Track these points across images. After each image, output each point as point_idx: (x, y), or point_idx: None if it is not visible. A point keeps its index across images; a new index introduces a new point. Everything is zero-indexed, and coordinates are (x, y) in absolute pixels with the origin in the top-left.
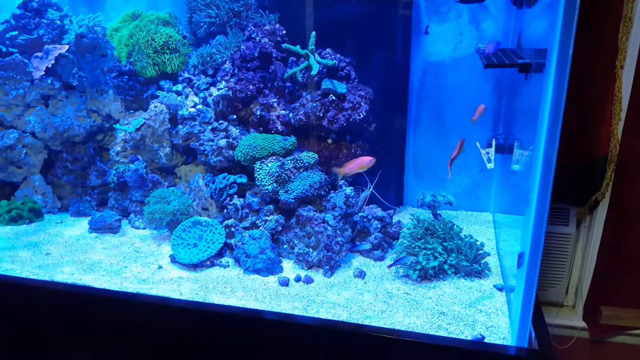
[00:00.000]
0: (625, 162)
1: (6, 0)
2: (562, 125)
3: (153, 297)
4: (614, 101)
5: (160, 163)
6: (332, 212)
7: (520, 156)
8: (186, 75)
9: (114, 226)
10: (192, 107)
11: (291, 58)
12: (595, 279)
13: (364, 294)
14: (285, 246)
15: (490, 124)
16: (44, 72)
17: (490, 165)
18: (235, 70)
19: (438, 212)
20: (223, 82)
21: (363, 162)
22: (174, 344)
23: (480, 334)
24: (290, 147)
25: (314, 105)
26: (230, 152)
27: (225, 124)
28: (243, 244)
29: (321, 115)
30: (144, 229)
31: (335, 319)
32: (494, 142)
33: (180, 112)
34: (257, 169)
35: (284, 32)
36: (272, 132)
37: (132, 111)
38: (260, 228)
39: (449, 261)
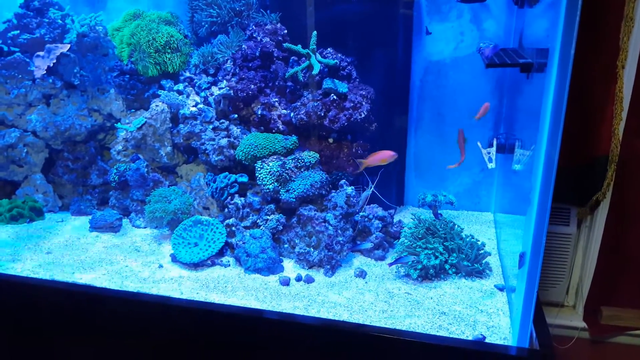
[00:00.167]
0: (626, 162)
1: None
2: (563, 125)
3: (154, 297)
4: (615, 101)
5: (162, 162)
6: (333, 211)
7: (521, 156)
8: (187, 74)
9: (115, 225)
10: (193, 106)
11: (292, 57)
12: (596, 279)
13: (364, 294)
14: (286, 245)
15: (491, 124)
16: (45, 71)
17: (491, 165)
18: (237, 70)
19: (439, 211)
20: (224, 81)
21: (385, 156)
22: (174, 344)
23: (481, 334)
24: (291, 147)
25: (315, 104)
26: (232, 151)
27: (227, 123)
28: (244, 243)
29: (322, 114)
30: (144, 228)
31: (336, 318)
32: (495, 142)
33: (181, 112)
34: (258, 168)
35: (286, 31)
36: (273, 131)
37: (133, 110)
38: (261, 227)
39: (450, 261)
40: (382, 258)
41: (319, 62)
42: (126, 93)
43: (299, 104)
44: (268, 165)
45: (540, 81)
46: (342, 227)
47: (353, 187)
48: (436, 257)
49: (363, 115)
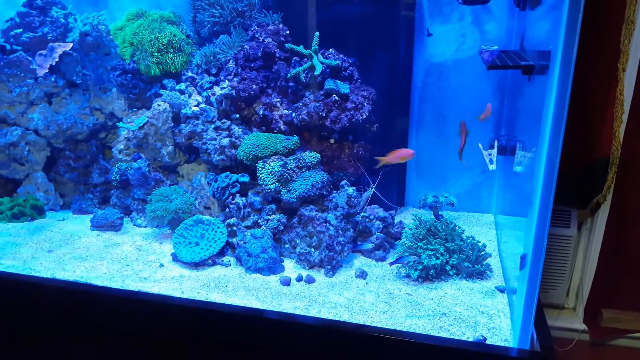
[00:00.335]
0: (626, 164)
1: None
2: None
3: (154, 296)
4: (615, 104)
5: (163, 161)
6: (334, 212)
7: (522, 158)
8: (189, 74)
9: (116, 224)
10: (195, 106)
11: (294, 58)
12: (596, 281)
13: (365, 294)
14: (287, 246)
15: (492, 126)
16: (47, 70)
17: (492, 167)
18: (239, 70)
19: (440, 213)
20: (226, 81)
21: (405, 154)
22: (175, 343)
23: (482, 336)
24: (292, 147)
25: (317, 105)
26: (233, 151)
27: (228, 123)
28: (245, 243)
29: (324, 115)
30: (145, 227)
31: (337, 319)
32: (496, 144)
33: (183, 111)
34: (260, 168)
35: (288, 32)
36: (275, 131)
37: (135, 109)
38: (262, 227)
39: (450, 262)
40: (383, 259)
41: (321, 62)
42: (128, 92)
43: (300, 104)
44: (269, 165)
45: (541, 83)
46: (343, 227)
47: (354, 188)
48: (437, 258)
49: (364, 116)
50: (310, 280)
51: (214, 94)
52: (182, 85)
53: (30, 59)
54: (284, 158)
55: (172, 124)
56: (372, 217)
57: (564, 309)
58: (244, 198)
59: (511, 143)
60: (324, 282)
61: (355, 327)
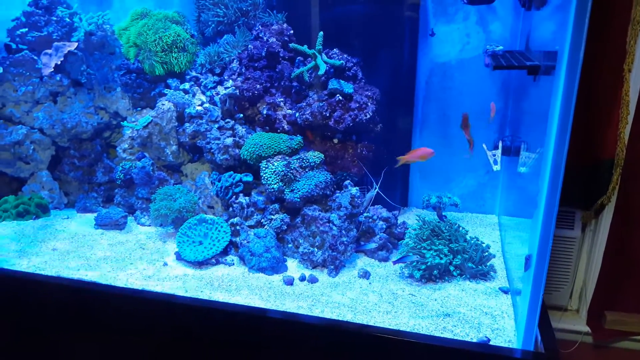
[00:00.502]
0: (631, 165)
1: None
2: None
3: (158, 294)
4: (621, 104)
5: (167, 161)
6: (338, 211)
7: (527, 159)
8: (194, 73)
9: (120, 223)
10: (199, 105)
11: (298, 58)
12: (600, 283)
13: (368, 295)
14: (290, 245)
15: (496, 126)
16: (53, 69)
17: (496, 168)
18: (243, 70)
19: (443, 213)
20: (230, 81)
21: (423, 153)
22: (178, 342)
23: (486, 337)
24: (296, 147)
25: (321, 105)
26: (237, 150)
27: (232, 122)
28: (248, 242)
29: (328, 115)
30: (149, 225)
31: (340, 319)
32: (500, 144)
33: (187, 111)
34: (263, 168)
35: (292, 31)
36: (279, 131)
37: (139, 109)
38: (266, 227)
39: (454, 262)
40: (386, 259)
41: (325, 62)
42: (132, 91)
43: (304, 104)
44: (273, 165)
45: (547, 84)
46: (346, 227)
47: (357, 188)
48: (441, 258)
49: (368, 116)
50: (313, 280)
51: (217, 94)
52: (186, 85)
53: (35, 58)
54: (287, 158)
55: (176, 124)
56: (375, 217)
57: (567, 311)
58: (247, 197)
59: (515, 144)
60: (327, 282)
61: (359, 327)
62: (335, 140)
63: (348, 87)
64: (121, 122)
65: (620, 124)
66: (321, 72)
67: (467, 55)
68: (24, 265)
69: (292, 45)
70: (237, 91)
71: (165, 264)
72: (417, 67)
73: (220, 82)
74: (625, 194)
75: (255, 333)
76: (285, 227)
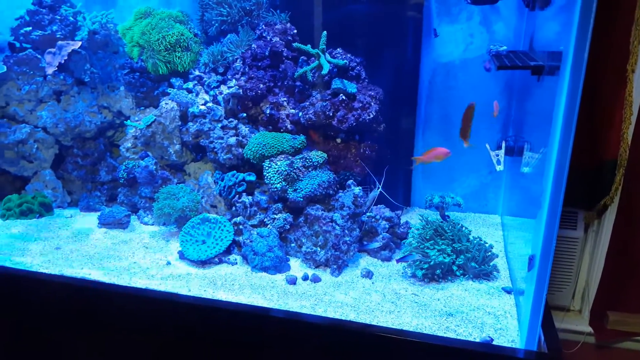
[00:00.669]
0: (634, 166)
1: None
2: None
3: (161, 293)
4: (624, 105)
5: (170, 160)
6: (341, 211)
7: (530, 159)
8: (197, 73)
9: (123, 222)
10: (202, 104)
11: (302, 57)
12: (603, 283)
13: (371, 294)
14: (293, 245)
15: (499, 126)
16: (56, 68)
17: (499, 168)
18: (246, 69)
19: (446, 213)
20: (233, 80)
21: (440, 153)
22: (181, 340)
23: (489, 336)
24: (299, 146)
25: (324, 104)
26: (240, 150)
27: (235, 122)
28: (251, 241)
29: (331, 114)
30: (152, 225)
31: (343, 318)
32: (503, 144)
33: (190, 110)
34: (266, 167)
35: (295, 31)
36: (282, 130)
37: (142, 108)
38: (269, 226)
39: (457, 262)
40: (389, 259)
41: (329, 62)
42: (136, 91)
43: (307, 103)
44: (276, 165)
45: (551, 84)
46: (349, 227)
47: (360, 188)
48: (444, 258)
49: (371, 116)
50: (316, 280)
51: (221, 93)
52: (190, 84)
53: (39, 57)
54: (290, 157)
55: (180, 123)
56: (378, 217)
57: (569, 311)
58: (250, 197)
59: (519, 144)
60: (330, 282)
61: (362, 327)
62: (339, 140)
63: (351, 87)
64: (124, 121)
65: (624, 124)
66: (324, 71)
67: (470, 55)
68: (27, 263)
69: (295, 44)
70: (241, 90)
71: (169, 263)
72: (420, 67)
73: (224, 82)
74: (628, 194)
75: (258, 332)
76: (288, 227)
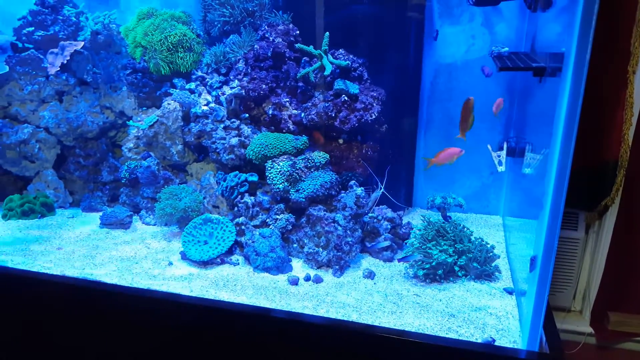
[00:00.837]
0: (635, 167)
1: None
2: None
3: (163, 294)
4: (625, 106)
5: (172, 160)
6: (343, 212)
7: (532, 160)
8: (199, 73)
9: (125, 222)
10: (205, 105)
11: (304, 58)
12: (604, 284)
13: (373, 295)
14: (295, 245)
15: (501, 127)
16: (59, 68)
17: (501, 168)
18: (249, 70)
19: (448, 214)
20: (236, 81)
21: (453, 153)
22: (183, 341)
23: (491, 337)
24: (301, 147)
25: (326, 105)
26: (242, 150)
27: (238, 122)
28: (253, 242)
29: (333, 115)
30: (154, 225)
31: (345, 319)
32: (505, 145)
33: (193, 110)
34: (269, 168)
35: (298, 32)
36: (284, 131)
37: (145, 108)
38: (271, 227)
39: (459, 262)
40: (391, 259)
41: (331, 63)
42: (138, 91)
43: (309, 104)
44: (278, 165)
45: (553, 85)
46: (351, 227)
47: (363, 188)
48: (447, 257)
49: (374, 117)
50: (318, 280)
51: (223, 94)
52: (192, 85)
53: (41, 57)
54: (292, 158)
55: (182, 123)
56: (380, 217)
57: (570, 312)
58: (252, 197)
59: (520, 145)
60: (332, 282)
61: (363, 327)
62: (341, 141)
63: (354, 88)
64: (127, 122)
65: (625, 125)
66: (327, 72)
67: (472, 56)
68: (29, 264)
69: (298, 45)
70: (243, 91)
71: (171, 264)
72: (422, 68)
73: (226, 82)
74: (629, 195)
75: (260, 333)
76: (291, 227)
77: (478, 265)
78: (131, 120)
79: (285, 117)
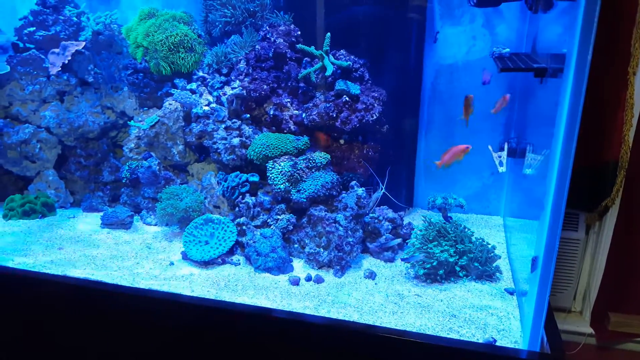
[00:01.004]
0: (635, 168)
1: None
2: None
3: (164, 294)
4: (625, 107)
5: (173, 160)
6: (344, 212)
7: (532, 160)
8: (201, 74)
9: (126, 222)
10: (206, 105)
11: (305, 58)
12: (604, 285)
13: (374, 295)
14: (296, 245)
15: (502, 128)
16: (60, 68)
17: (502, 169)
18: (250, 70)
19: (449, 214)
20: (237, 81)
21: (458, 151)
22: (184, 341)
23: (492, 337)
24: (302, 147)
25: (327, 105)
26: (243, 150)
27: (239, 122)
28: (254, 242)
29: (334, 115)
30: (155, 225)
31: (346, 319)
32: (506, 146)
33: (194, 111)
34: (270, 168)
35: (299, 32)
36: (285, 131)
37: (146, 108)
38: (272, 227)
39: (460, 263)
40: (392, 260)
41: (332, 63)
42: (139, 91)
43: (311, 104)
44: (279, 165)
45: (554, 86)
46: (352, 228)
47: (364, 189)
48: (449, 256)
49: (375, 117)
50: (319, 280)
51: (224, 94)
52: (193, 85)
53: (43, 57)
54: (294, 158)
55: (183, 123)
56: (381, 217)
57: (570, 313)
58: (253, 197)
59: (521, 145)
60: (333, 282)
61: (364, 327)
62: (342, 141)
63: (355, 88)
64: (128, 122)
65: (625, 126)
66: (328, 73)
67: (473, 57)
68: (29, 264)
69: (299, 46)
70: (244, 91)
71: (172, 264)
72: (423, 69)
73: (227, 83)
74: (629, 196)
75: (261, 333)
76: (292, 227)
77: (479, 266)
78: (132, 121)
79: (287, 117)
